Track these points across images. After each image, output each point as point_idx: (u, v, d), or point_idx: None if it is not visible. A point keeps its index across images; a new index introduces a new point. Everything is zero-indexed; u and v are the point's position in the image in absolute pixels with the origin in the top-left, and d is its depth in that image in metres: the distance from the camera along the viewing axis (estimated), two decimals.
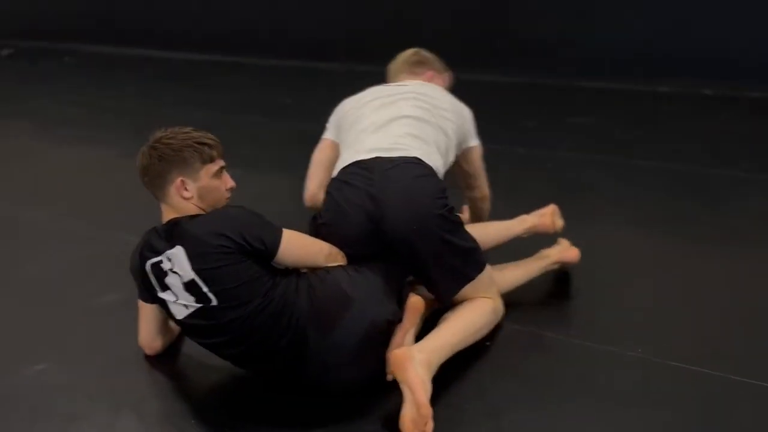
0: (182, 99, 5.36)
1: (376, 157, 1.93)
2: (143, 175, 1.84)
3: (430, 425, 1.58)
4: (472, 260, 1.93)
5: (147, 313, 1.93)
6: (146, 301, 1.89)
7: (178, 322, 1.81)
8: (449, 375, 1.78)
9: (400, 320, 1.85)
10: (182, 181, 1.80)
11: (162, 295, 1.77)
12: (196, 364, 1.98)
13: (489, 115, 2.75)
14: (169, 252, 1.73)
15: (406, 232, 1.83)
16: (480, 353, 1.92)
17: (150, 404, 1.87)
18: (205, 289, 1.71)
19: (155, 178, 1.82)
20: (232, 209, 1.84)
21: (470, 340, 1.88)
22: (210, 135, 1.87)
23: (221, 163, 1.86)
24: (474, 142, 2.27)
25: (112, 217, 3.03)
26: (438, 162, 2.01)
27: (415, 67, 2.36)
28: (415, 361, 1.64)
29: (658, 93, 4.73)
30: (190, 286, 1.72)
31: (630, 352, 1.90)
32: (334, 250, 1.88)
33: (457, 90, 2.36)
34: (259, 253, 1.74)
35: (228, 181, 1.90)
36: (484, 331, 1.93)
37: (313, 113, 2.83)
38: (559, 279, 2.30)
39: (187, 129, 1.87)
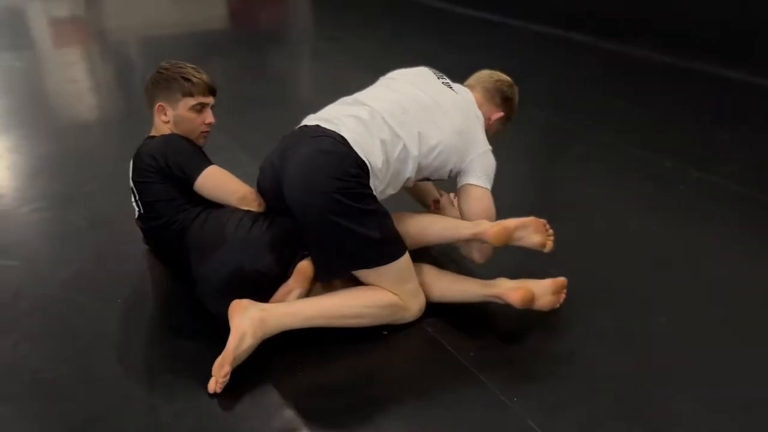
0: None
1: (315, 125, 1.95)
2: (145, 89, 2.18)
3: (225, 369, 1.69)
4: (370, 250, 1.86)
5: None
6: None
7: None
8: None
9: (284, 278, 1.90)
10: (161, 106, 2.13)
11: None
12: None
13: None
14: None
15: (293, 200, 1.87)
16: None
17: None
18: (135, 198, 2.11)
19: (148, 99, 2.17)
20: (174, 137, 2.10)
21: (339, 322, 1.87)
22: (202, 74, 2.15)
23: (201, 99, 2.13)
24: (472, 180, 2.05)
25: None
26: (375, 157, 1.89)
27: (487, 92, 2.22)
28: (245, 313, 1.77)
29: None
30: (131, 193, 2.12)
31: None
32: (252, 195, 2.00)
33: None
34: (179, 180, 2.02)
35: (208, 117, 2.16)
36: (366, 321, 1.89)
37: None
38: None
39: (184, 64, 2.17)
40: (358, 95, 2.10)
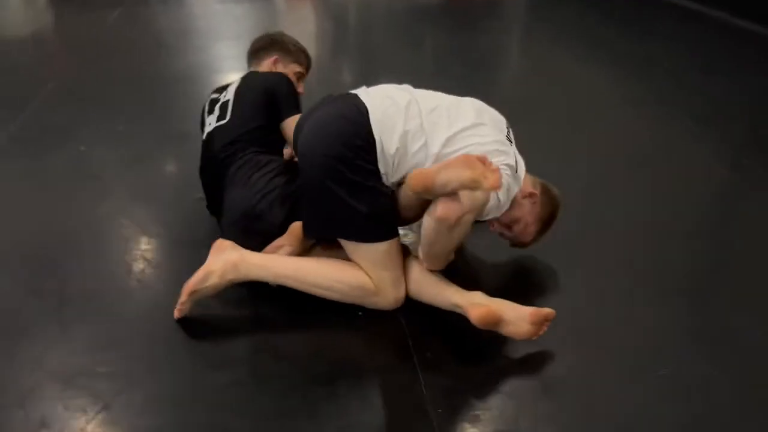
0: None
1: (354, 93, 1.95)
2: (260, 41, 2.55)
3: (182, 299, 1.84)
4: (354, 223, 1.83)
5: None
6: None
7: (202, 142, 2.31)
8: None
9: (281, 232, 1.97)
10: (277, 59, 2.49)
11: (207, 118, 2.33)
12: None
13: None
14: (232, 86, 2.35)
15: (300, 156, 1.91)
16: None
17: None
18: (230, 108, 2.25)
19: (265, 46, 2.52)
20: (290, 79, 2.35)
21: (309, 289, 1.89)
22: (308, 55, 2.56)
23: (303, 71, 2.53)
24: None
25: None
26: (389, 142, 1.82)
27: (535, 181, 2.05)
28: (222, 254, 1.87)
29: None
30: (223, 105, 2.28)
31: None
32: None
33: None
34: (272, 112, 2.23)
35: (300, 87, 2.47)
36: (335, 296, 1.89)
37: None
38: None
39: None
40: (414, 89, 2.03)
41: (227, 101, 2.29)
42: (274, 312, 1.97)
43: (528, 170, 2.00)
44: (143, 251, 2.26)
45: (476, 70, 4.32)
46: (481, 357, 1.82)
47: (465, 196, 1.65)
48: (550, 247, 2.16)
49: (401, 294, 1.91)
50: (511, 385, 1.72)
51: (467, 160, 1.63)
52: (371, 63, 4.66)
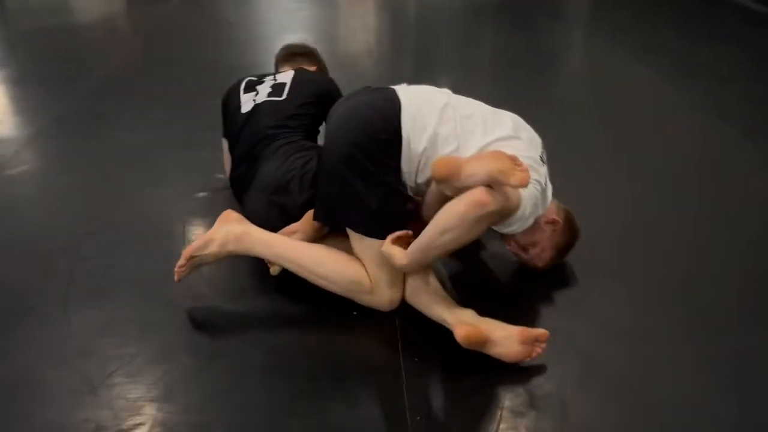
0: None
1: (392, 88, 1.95)
2: (300, 48, 2.67)
3: (180, 262, 1.87)
4: (360, 215, 1.81)
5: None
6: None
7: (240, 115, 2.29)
8: None
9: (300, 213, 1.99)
10: (317, 70, 2.61)
11: (243, 96, 2.34)
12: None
13: None
14: (285, 73, 2.42)
15: (325, 137, 1.92)
16: None
17: None
18: (287, 89, 2.30)
19: (307, 53, 2.65)
20: (336, 85, 2.46)
21: (307, 275, 1.88)
22: None
23: None
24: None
25: None
26: (416, 142, 1.81)
27: (559, 207, 2.03)
28: (228, 225, 1.90)
29: None
30: (277, 85, 2.33)
31: None
32: None
33: None
34: (323, 111, 2.18)
35: None
36: (332, 287, 1.87)
37: None
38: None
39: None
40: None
41: (283, 83, 2.33)
42: (269, 306, 1.97)
43: (576, 171, 1.94)
44: (174, 240, 2.32)
45: (532, 69, 4.21)
46: (469, 368, 1.75)
47: (500, 191, 1.59)
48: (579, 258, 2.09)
49: (396, 296, 1.88)
50: (495, 399, 1.66)
51: (497, 155, 1.58)
52: (427, 58, 4.62)
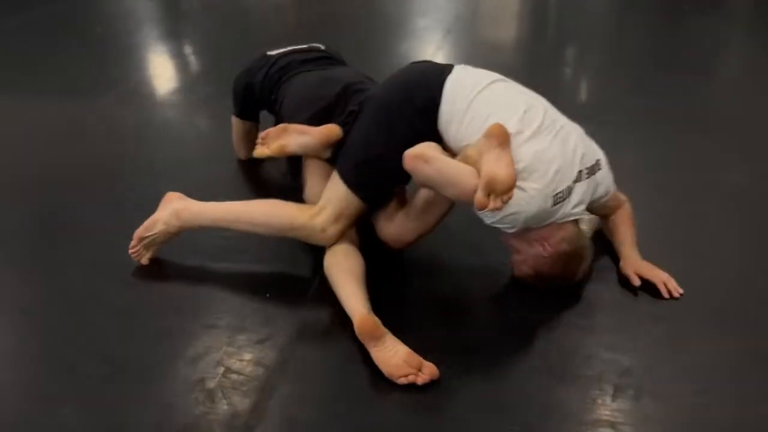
0: None
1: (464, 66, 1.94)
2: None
3: (132, 243, 1.94)
4: (349, 157, 1.87)
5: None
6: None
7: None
8: None
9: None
10: None
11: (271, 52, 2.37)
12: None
13: None
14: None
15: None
16: None
17: None
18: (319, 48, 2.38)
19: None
20: None
21: (247, 227, 1.90)
22: None
23: None
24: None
25: None
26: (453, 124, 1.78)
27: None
28: (169, 204, 1.95)
29: None
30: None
31: None
32: None
33: None
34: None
35: None
36: (263, 229, 1.89)
37: None
38: None
39: None
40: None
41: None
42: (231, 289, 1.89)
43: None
44: None
45: (680, 69, 3.65)
46: None
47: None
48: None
49: (332, 229, 1.85)
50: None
51: (510, 173, 1.55)
52: (568, 47, 4.25)
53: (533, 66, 3.75)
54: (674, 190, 2.36)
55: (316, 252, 1.89)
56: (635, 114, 2.98)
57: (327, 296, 1.77)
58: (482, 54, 3.92)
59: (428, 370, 1.54)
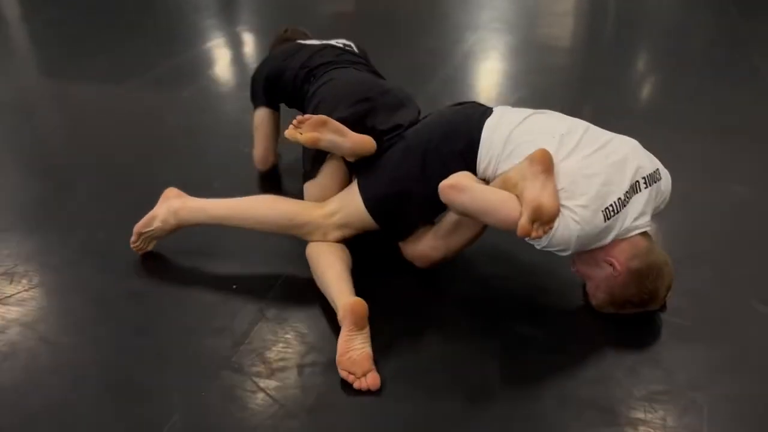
0: None
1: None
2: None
3: (132, 238, 1.97)
4: (376, 181, 1.86)
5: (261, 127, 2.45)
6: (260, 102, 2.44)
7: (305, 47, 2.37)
8: None
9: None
10: None
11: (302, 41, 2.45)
12: None
13: None
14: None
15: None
16: None
17: None
18: (353, 50, 2.41)
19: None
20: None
21: (245, 223, 1.90)
22: None
23: None
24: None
25: None
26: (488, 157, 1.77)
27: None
28: (168, 201, 1.95)
29: None
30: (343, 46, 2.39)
31: None
32: None
33: None
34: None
35: None
36: (261, 226, 1.89)
37: None
38: None
39: None
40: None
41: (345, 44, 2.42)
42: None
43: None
44: None
45: (746, 80, 3.37)
46: None
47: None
48: None
49: (332, 236, 1.85)
50: None
51: (554, 204, 1.55)
52: (623, 49, 4.01)
53: (591, 69, 3.58)
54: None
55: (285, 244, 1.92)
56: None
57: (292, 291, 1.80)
58: (539, 55, 3.77)
59: (371, 380, 1.53)
